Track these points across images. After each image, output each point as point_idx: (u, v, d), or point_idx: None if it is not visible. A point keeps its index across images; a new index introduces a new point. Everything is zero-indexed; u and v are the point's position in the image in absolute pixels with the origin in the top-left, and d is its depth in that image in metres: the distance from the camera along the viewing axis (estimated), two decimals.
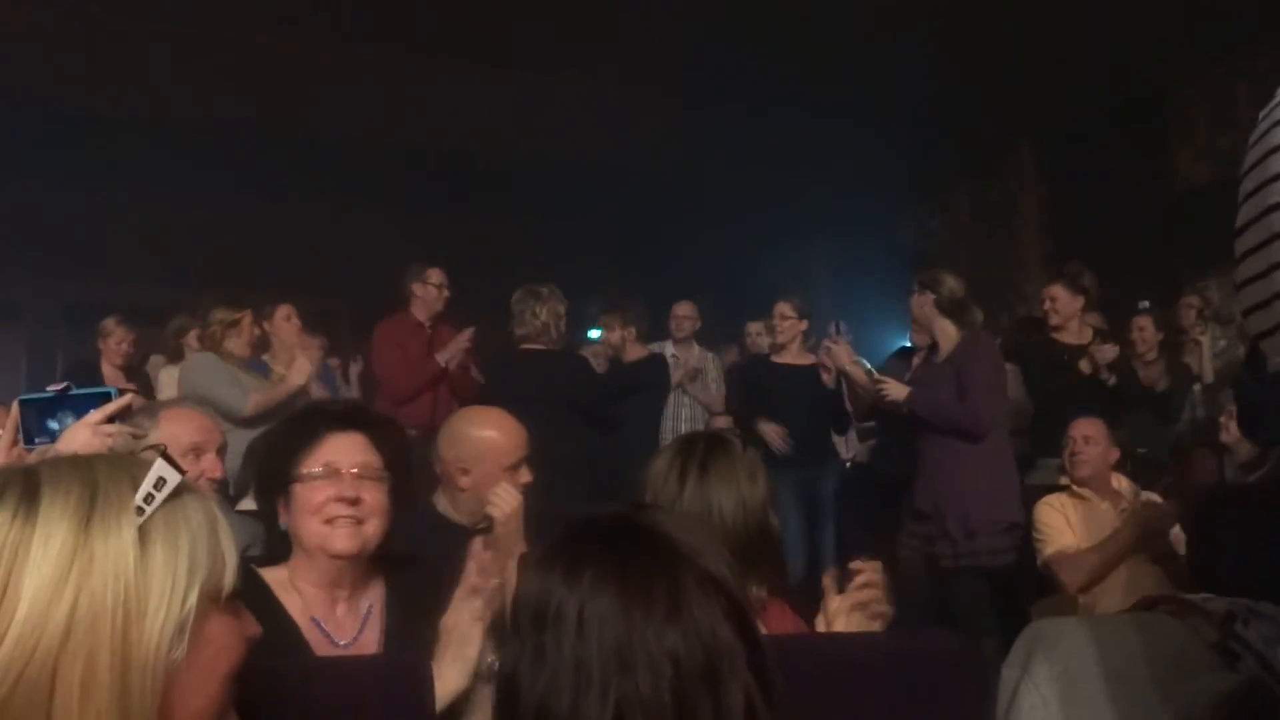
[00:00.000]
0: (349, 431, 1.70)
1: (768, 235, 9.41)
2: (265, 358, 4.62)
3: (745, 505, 1.69)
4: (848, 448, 5.66)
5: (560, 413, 4.10)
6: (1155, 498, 3.56)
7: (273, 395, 3.95)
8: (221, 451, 2.35)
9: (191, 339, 4.42)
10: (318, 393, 4.72)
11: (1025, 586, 3.70)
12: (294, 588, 1.67)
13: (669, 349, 5.77)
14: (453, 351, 4.80)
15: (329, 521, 1.64)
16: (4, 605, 0.80)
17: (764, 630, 1.73)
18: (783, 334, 4.97)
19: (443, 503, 2.47)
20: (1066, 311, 4.68)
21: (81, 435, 1.69)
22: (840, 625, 1.59)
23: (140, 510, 0.86)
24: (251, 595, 1.57)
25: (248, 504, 2.82)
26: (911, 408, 3.93)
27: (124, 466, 0.89)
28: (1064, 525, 3.57)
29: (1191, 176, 6.90)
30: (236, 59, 6.25)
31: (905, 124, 7.01)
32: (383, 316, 5.13)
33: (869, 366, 4.54)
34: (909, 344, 5.12)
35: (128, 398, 1.83)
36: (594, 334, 6.96)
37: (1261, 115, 0.81)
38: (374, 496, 1.67)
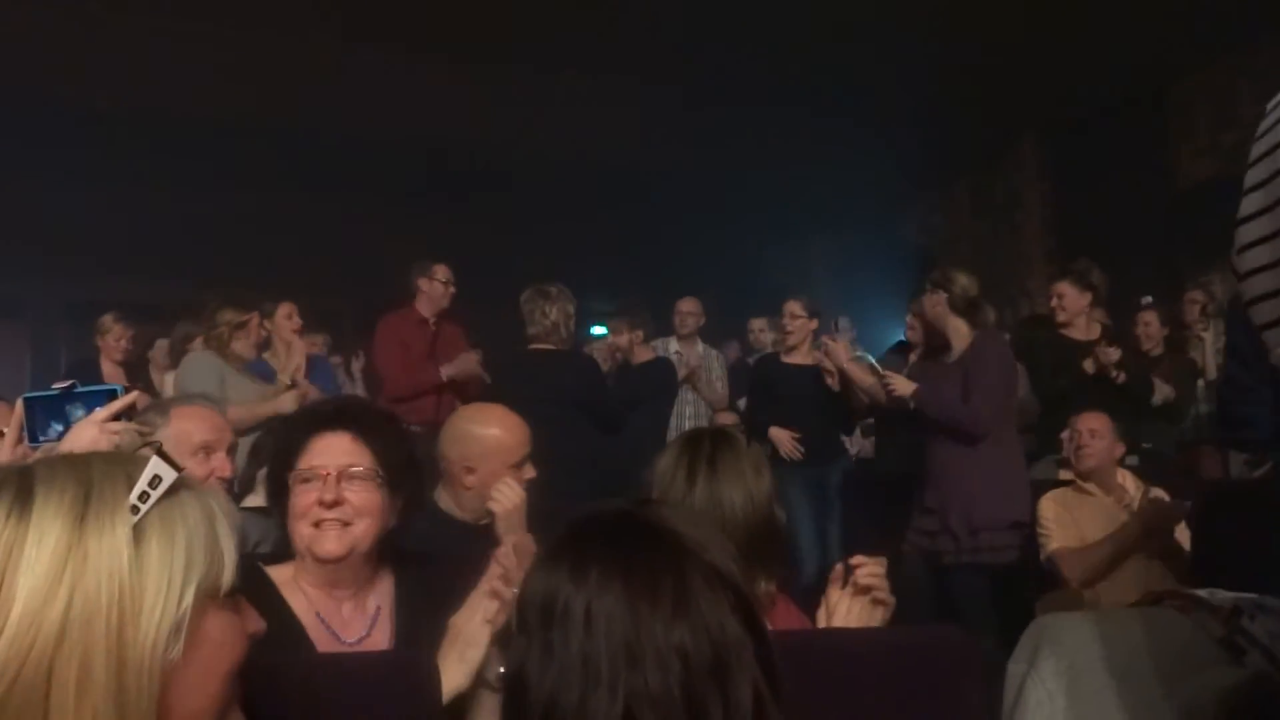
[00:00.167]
0: (336, 431, 1.68)
1: (769, 232, 9.41)
2: (266, 356, 4.63)
3: (753, 500, 1.70)
4: (853, 444, 5.67)
5: (568, 412, 4.09)
6: (1163, 494, 3.55)
7: (253, 413, 3.91)
8: (232, 450, 2.34)
9: (198, 344, 4.42)
10: (314, 394, 4.75)
11: (1029, 582, 3.70)
12: (299, 586, 1.67)
13: (673, 345, 5.77)
14: (458, 369, 4.80)
15: (316, 525, 1.63)
16: None
17: (771, 627, 1.74)
18: (794, 334, 4.96)
19: (445, 500, 2.47)
20: (1074, 308, 4.68)
21: (88, 433, 1.69)
22: (841, 616, 1.58)
23: (135, 509, 0.85)
24: (258, 593, 1.57)
25: (254, 500, 2.84)
26: (917, 404, 3.93)
27: (120, 464, 0.89)
28: (1067, 520, 3.57)
29: (1193, 172, 6.90)
30: (238, 57, 6.25)
31: (907, 120, 7.00)
32: (385, 313, 5.14)
33: (873, 360, 4.54)
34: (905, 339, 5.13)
35: (133, 395, 1.83)
36: (596, 330, 6.97)
37: (1270, 106, 0.81)
38: (362, 497, 1.64)
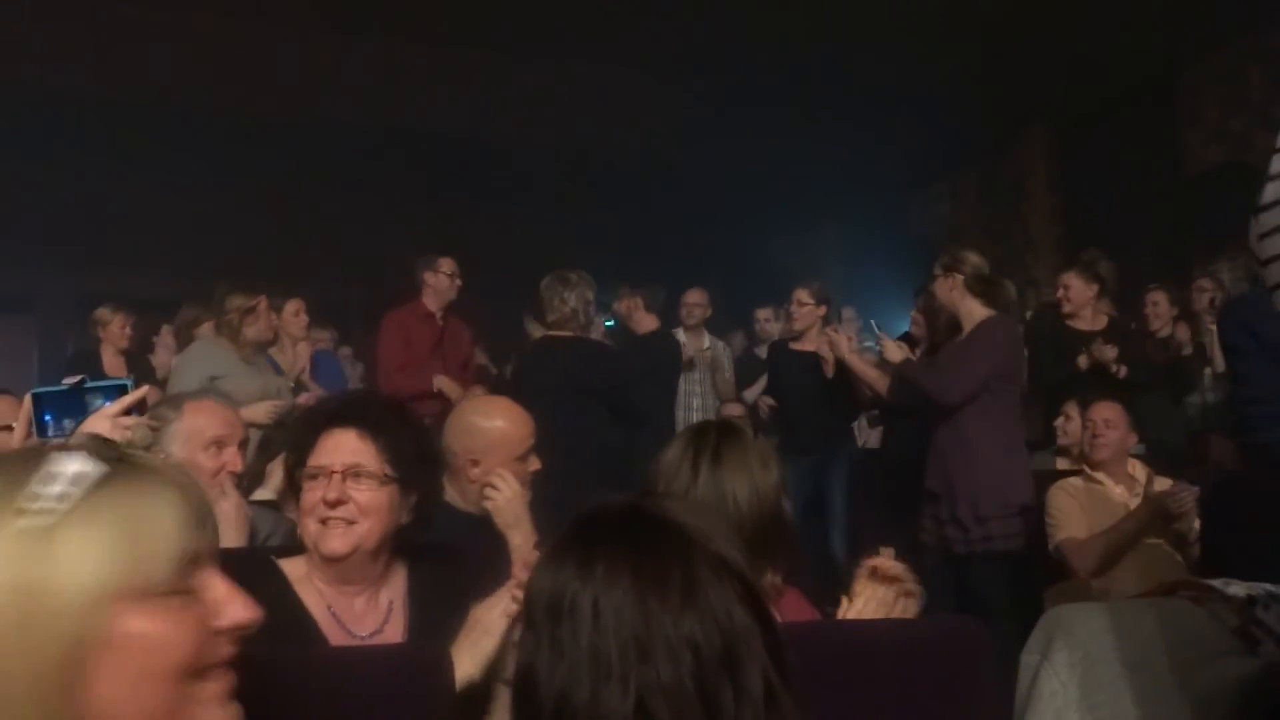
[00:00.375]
0: (344, 428, 1.67)
1: (775, 222, 9.39)
2: (271, 351, 4.64)
3: (759, 493, 1.69)
4: (861, 434, 5.66)
5: (579, 400, 4.09)
6: (1168, 483, 3.54)
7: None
8: (243, 445, 2.35)
9: (207, 329, 4.41)
10: (313, 387, 4.77)
11: (1036, 571, 3.69)
12: (312, 581, 1.67)
13: (680, 337, 5.77)
14: (450, 391, 4.78)
15: (322, 522, 1.63)
16: None
17: (780, 618, 1.74)
18: (799, 320, 4.95)
19: (450, 493, 2.47)
20: (1079, 299, 4.67)
21: (100, 427, 1.69)
22: (868, 608, 1.59)
23: (27, 511, 0.81)
24: (270, 587, 1.58)
25: (263, 494, 2.84)
26: (895, 371, 3.95)
27: (21, 463, 0.85)
28: (1076, 510, 3.56)
29: (1203, 158, 6.86)
30: (246, 51, 6.26)
31: (914, 108, 6.98)
32: (390, 306, 5.14)
33: (876, 325, 4.55)
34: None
35: (144, 389, 1.83)
36: (605, 323, 6.96)
37: None
38: (366, 497, 1.63)
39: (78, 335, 7.47)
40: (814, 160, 7.95)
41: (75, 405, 1.79)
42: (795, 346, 5.00)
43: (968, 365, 3.70)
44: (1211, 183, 6.53)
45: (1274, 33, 6.21)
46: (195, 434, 2.22)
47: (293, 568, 1.68)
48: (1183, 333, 5.19)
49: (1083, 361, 4.52)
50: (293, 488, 1.72)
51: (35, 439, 1.78)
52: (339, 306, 7.78)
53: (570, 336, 4.41)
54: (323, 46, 6.41)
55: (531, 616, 0.93)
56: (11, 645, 0.78)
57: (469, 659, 1.45)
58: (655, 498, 1.01)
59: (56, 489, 0.82)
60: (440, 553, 1.78)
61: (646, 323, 5.39)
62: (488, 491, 2.26)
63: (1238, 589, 0.87)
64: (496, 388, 5.38)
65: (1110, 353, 4.50)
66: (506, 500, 2.24)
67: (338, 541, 1.62)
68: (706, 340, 5.87)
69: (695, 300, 5.86)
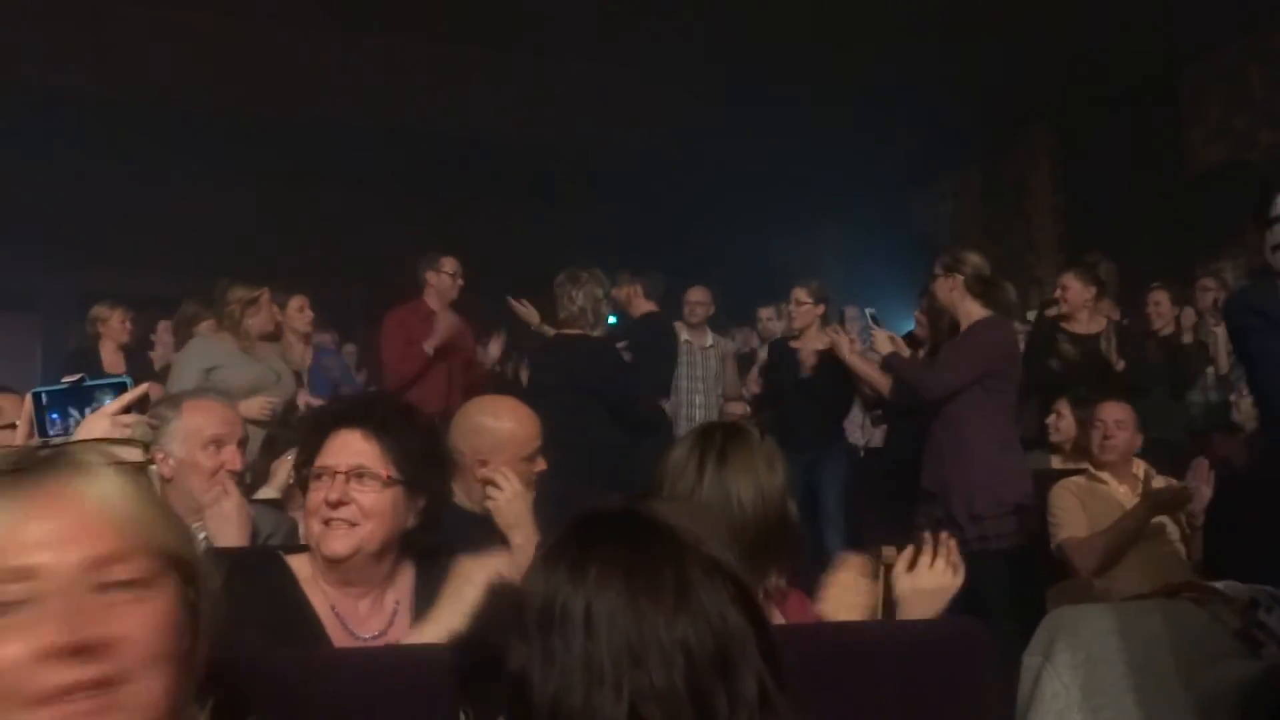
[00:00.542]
0: (350, 429, 1.66)
1: (775, 222, 9.38)
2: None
3: (764, 494, 1.69)
4: (865, 433, 5.66)
5: (579, 399, 4.10)
6: (1173, 482, 3.54)
7: None
8: (243, 444, 2.34)
9: (206, 327, 4.42)
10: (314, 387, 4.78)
11: (1038, 570, 3.68)
12: (318, 581, 1.66)
13: (683, 335, 5.77)
14: (441, 335, 4.77)
15: (325, 523, 1.62)
16: None
17: (784, 620, 1.74)
18: (798, 319, 4.96)
19: (458, 493, 2.47)
20: (1076, 301, 4.67)
21: (100, 425, 1.69)
22: (923, 579, 1.68)
23: None
24: (278, 586, 1.59)
25: (267, 493, 2.84)
26: (884, 365, 3.98)
27: None
28: (1077, 509, 3.55)
29: (1205, 157, 6.86)
30: (248, 49, 6.26)
31: (915, 107, 6.98)
32: (393, 304, 5.14)
33: (871, 315, 4.55)
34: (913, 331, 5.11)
35: (144, 386, 1.82)
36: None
37: None
38: (370, 499, 1.62)
39: (80, 333, 7.49)
40: (814, 160, 7.94)
41: (76, 403, 1.78)
42: (795, 345, 5.01)
43: (955, 362, 3.71)
44: (1213, 181, 6.53)
45: (1275, 31, 6.21)
46: (194, 433, 2.22)
47: (301, 566, 1.68)
48: (1188, 318, 5.17)
49: (1054, 364, 4.53)
50: (301, 487, 1.72)
51: (37, 437, 1.78)
52: (340, 306, 7.78)
53: (577, 335, 4.41)
54: (322, 46, 6.41)
55: (523, 624, 0.92)
56: None
57: (450, 611, 1.45)
58: (647, 501, 1.00)
59: None
60: (448, 554, 1.77)
61: (644, 307, 5.41)
62: (489, 490, 2.25)
63: (1240, 591, 0.87)
64: (500, 387, 5.38)
65: (1073, 353, 4.50)
66: (508, 500, 2.23)
67: (339, 543, 1.61)
68: (710, 338, 5.87)
69: (698, 298, 5.86)
